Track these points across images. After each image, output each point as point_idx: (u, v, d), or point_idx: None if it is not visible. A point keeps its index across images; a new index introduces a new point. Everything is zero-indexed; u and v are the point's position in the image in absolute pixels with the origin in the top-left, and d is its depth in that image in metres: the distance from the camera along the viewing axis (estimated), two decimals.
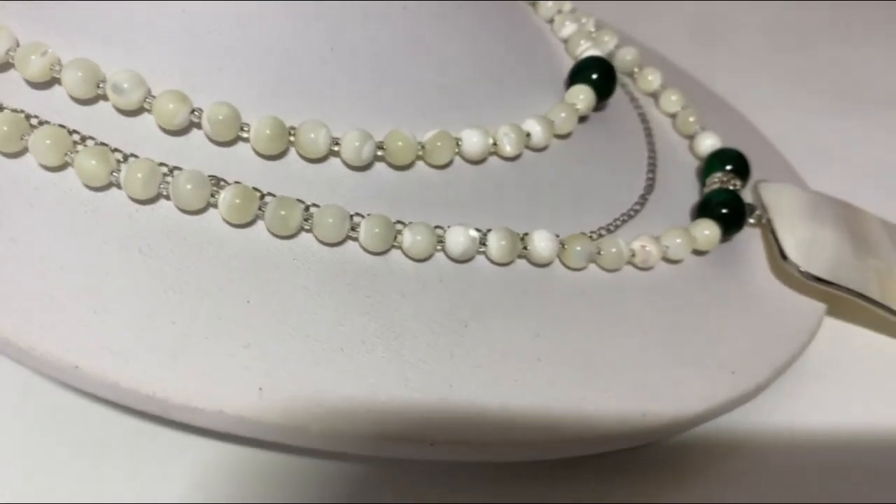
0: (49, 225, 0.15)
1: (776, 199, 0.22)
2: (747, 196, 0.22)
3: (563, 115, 0.19)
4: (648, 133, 0.23)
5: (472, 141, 0.18)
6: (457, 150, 0.18)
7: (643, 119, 0.23)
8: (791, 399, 0.19)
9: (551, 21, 0.24)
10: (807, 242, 0.21)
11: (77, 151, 0.15)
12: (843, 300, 0.20)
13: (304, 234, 0.16)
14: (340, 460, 0.17)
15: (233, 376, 0.14)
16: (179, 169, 0.16)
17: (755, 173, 0.23)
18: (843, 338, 0.21)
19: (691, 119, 0.23)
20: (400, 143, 0.17)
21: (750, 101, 0.29)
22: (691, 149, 0.23)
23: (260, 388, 0.14)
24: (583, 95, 0.20)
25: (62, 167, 0.16)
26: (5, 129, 0.15)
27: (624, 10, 0.34)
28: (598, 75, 0.21)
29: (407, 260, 0.17)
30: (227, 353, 0.14)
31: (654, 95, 0.24)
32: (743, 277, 0.20)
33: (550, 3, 0.24)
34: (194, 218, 0.16)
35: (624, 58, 0.25)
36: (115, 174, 0.15)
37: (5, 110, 0.15)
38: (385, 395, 0.15)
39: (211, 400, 0.14)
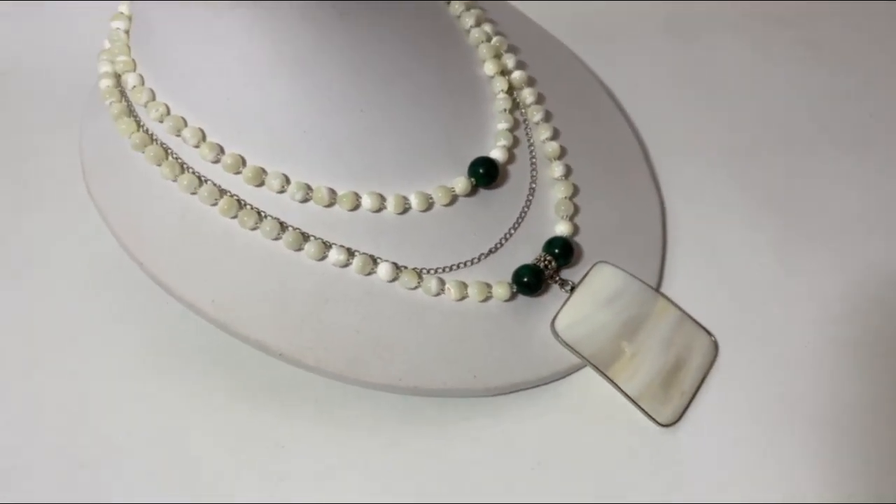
0: None
1: (595, 278, 0.33)
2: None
3: (439, 193, 0.32)
4: (525, 211, 0.34)
5: (366, 201, 0.31)
6: (356, 204, 0.32)
7: (529, 201, 0.34)
8: (512, 410, 0.32)
9: (505, 110, 0.35)
10: (581, 316, 0.32)
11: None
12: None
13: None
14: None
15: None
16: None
17: (626, 244, 0.35)
18: (599, 388, 0.32)
19: (563, 208, 0.34)
20: (321, 194, 0.31)
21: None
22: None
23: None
24: (460, 184, 0.32)
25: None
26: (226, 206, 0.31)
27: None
28: (483, 171, 0.33)
29: (309, 259, 0.31)
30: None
31: (557, 181, 0.35)
32: (531, 323, 0.32)
33: (502, 98, 0.35)
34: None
35: (546, 149, 0.36)
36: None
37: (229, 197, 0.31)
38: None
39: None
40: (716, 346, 0.33)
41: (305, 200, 0.32)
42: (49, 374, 0.34)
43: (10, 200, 0.40)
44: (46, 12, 0.48)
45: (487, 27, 0.37)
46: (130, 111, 0.33)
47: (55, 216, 0.39)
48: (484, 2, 0.40)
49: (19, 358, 0.34)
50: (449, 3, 0.37)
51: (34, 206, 0.39)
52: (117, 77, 0.34)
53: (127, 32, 0.35)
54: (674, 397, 0.32)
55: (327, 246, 0.31)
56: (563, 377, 0.33)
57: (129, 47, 0.34)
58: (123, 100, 0.33)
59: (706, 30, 0.49)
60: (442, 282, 0.32)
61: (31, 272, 0.37)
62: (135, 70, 0.33)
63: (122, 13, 0.35)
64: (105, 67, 0.34)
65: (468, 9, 0.37)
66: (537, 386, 0.32)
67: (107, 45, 0.35)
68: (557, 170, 0.35)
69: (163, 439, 0.32)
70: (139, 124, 0.33)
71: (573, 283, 0.33)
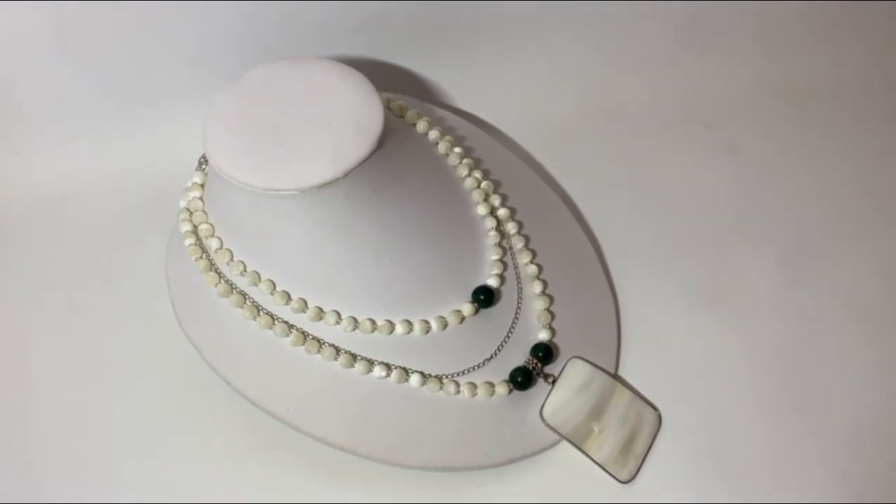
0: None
1: (570, 371, 0.45)
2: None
3: (452, 316, 0.43)
4: (515, 322, 0.45)
5: (398, 328, 0.43)
6: (391, 330, 0.43)
7: (517, 314, 0.46)
8: (513, 477, 0.43)
9: (496, 244, 0.46)
10: (561, 403, 0.44)
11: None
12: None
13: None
14: None
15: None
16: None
17: (591, 338, 0.46)
18: (575, 457, 0.44)
19: (543, 318, 0.46)
20: (365, 325, 0.42)
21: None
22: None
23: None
24: (467, 309, 0.44)
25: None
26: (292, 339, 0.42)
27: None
28: (484, 297, 0.44)
29: (358, 374, 0.42)
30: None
31: (537, 296, 0.47)
32: (524, 410, 0.44)
33: (492, 235, 0.46)
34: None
35: (527, 271, 0.47)
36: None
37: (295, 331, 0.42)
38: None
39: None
40: (660, 418, 0.45)
41: (353, 330, 0.43)
42: (149, 467, 0.44)
43: (98, 313, 0.50)
44: (117, 137, 0.57)
45: (478, 173, 0.48)
46: (212, 265, 0.43)
47: (141, 328, 0.49)
48: (459, 111, 0.52)
49: (115, 454, 0.45)
50: (447, 156, 0.48)
51: (120, 318, 0.50)
52: (196, 235, 0.44)
53: (201, 199, 0.45)
54: (630, 460, 0.44)
55: (371, 363, 0.42)
56: (549, 449, 0.44)
57: (205, 213, 0.44)
58: (205, 256, 0.44)
59: (644, 133, 0.60)
60: (457, 384, 0.43)
61: (122, 379, 0.48)
62: (214, 234, 0.44)
63: (196, 183, 0.45)
64: (186, 227, 0.45)
65: (461, 159, 0.48)
66: (530, 457, 0.44)
67: (182, 204, 0.46)
68: (537, 287, 0.47)
69: None
70: (220, 276, 0.43)
71: (554, 377, 0.45)
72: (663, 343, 0.49)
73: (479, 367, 0.44)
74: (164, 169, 0.55)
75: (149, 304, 0.49)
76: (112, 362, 0.48)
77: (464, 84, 0.61)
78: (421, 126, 0.48)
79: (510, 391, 0.44)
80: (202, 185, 0.46)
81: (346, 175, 0.39)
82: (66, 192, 0.57)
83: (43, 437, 0.46)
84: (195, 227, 0.45)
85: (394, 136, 0.43)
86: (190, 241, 0.44)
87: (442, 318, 0.44)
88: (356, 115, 0.41)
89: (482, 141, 0.53)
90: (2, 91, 0.55)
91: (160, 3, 0.51)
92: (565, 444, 0.44)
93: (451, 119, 0.53)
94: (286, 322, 0.42)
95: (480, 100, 0.61)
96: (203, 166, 0.46)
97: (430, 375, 0.43)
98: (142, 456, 0.45)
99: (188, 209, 0.45)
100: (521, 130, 0.61)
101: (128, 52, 0.54)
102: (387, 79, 0.59)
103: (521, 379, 0.44)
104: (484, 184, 0.48)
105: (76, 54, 0.53)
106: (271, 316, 0.43)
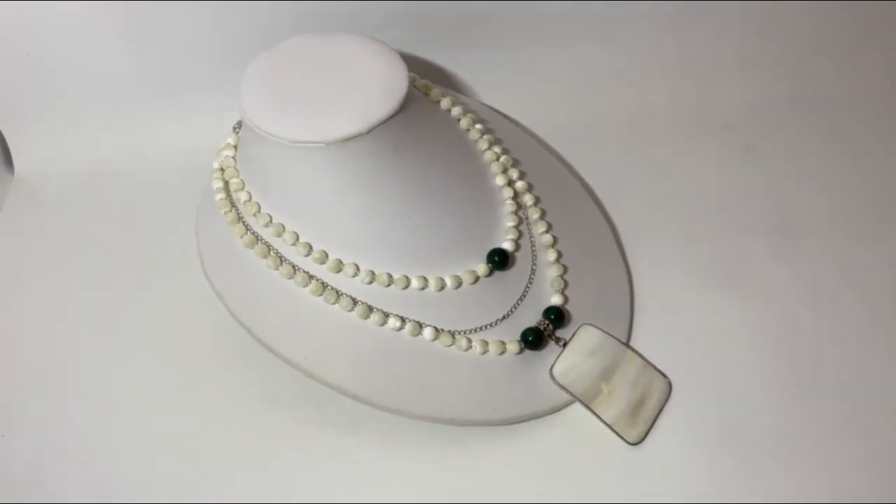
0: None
1: (582, 335, 0.46)
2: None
3: (466, 275, 0.45)
4: (528, 287, 0.47)
5: (413, 283, 0.44)
6: (407, 284, 0.44)
7: (531, 279, 0.47)
8: (523, 434, 0.44)
9: (512, 212, 0.48)
10: (572, 364, 0.44)
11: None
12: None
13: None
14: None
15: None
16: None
17: (603, 308, 0.47)
18: (585, 417, 0.45)
19: (556, 284, 0.47)
20: (382, 278, 0.44)
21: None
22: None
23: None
24: (481, 269, 0.45)
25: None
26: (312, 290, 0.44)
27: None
28: (498, 259, 0.45)
29: (373, 325, 0.44)
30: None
31: (551, 263, 0.48)
32: (535, 370, 0.45)
33: (509, 203, 0.48)
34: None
35: (542, 240, 0.48)
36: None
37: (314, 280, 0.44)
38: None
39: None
40: (670, 385, 0.46)
41: (371, 283, 0.44)
42: (172, 414, 0.46)
43: (133, 277, 0.53)
44: (149, 118, 0.61)
45: (497, 148, 0.50)
46: (240, 218, 0.46)
47: (171, 292, 0.51)
48: (484, 104, 0.54)
49: (145, 406, 0.47)
50: (468, 131, 0.50)
51: (153, 283, 0.52)
52: (227, 191, 0.47)
53: (234, 158, 0.47)
54: (639, 423, 0.44)
55: (386, 315, 0.44)
56: (559, 410, 0.45)
57: (237, 170, 0.47)
58: (234, 210, 0.46)
59: (665, 132, 0.62)
60: (469, 341, 0.44)
61: (153, 336, 0.49)
62: (244, 188, 0.46)
63: (230, 144, 0.48)
64: (218, 184, 0.47)
65: (482, 134, 0.50)
66: (540, 417, 0.44)
67: (215, 165, 0.48)
68: (551, 255, 0.48)
69: (266, 460, 0.44)
70: (247, 227, 0.45)
71: (565, 340, 0.45)
72: (676, 319, 0.50)
73: (490, 325, 0.45)
74: (198, 151, 0.58)
75: (178, 270, 0.52)
76: (141, 322, 0.51)
77: (488, 82, 0.64)
78: (444, 103, 0.51)
79: (521, 350, 0.45)
80: (235, 147, 0.48)
81: (370, 131, 0.41)
82: (106, 169, 0.60)
83: (71, 392, 0.48)
84: (226, 182, 0.47)
85: (417, 105, 0.45)
86: (220, 195, 0.46)
87: (457, 276, 0.45)
88: (382, 79, 0.43)
89: (503, 125, 0.55)
90: (51, 73, 0.58)
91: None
92: (575, 406, 0.45)
93: (475, 105, 0.56)
94: (307, 272, 0.44)
95: (503, 99, 0.63)
96: (237, 130, 0.49)
97: (442, 330, 0.44)
98: (166, 410, 0.47)
99: (220, 168, 0.48)
100: (542, 128, 0.62)
101: (171, 42, 0.57)
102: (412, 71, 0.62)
103: (533, 338, 0.44)
104: (503, 158, 0.50)
105: (122, 40, 0.57)
106: (293, 266, 0.44)
